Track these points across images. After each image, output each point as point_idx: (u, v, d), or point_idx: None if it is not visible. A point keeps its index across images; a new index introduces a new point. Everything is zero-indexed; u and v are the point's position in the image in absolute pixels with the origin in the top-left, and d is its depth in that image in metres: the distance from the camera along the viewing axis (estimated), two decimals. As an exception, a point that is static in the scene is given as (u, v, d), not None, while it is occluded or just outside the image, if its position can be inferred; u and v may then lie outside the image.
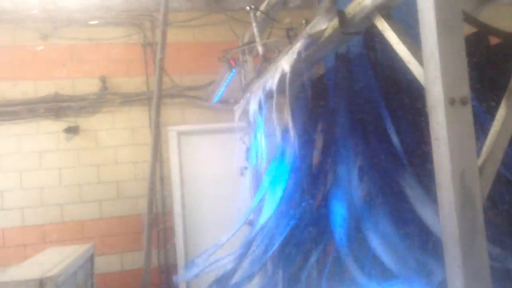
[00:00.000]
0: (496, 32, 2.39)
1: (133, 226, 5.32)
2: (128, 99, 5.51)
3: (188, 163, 5.67)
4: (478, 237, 1.42)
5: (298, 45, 2.46)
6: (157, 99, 4.51)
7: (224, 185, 5.66)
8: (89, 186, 5.29)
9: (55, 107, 5.26)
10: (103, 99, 5.43)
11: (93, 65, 5.45)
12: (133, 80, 5.58)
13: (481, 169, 1.46)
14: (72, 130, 5.26)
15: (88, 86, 5.42)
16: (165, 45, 3.75)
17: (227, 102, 5.36)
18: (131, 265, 5.24)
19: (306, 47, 2.40)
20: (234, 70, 3.75)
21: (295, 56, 2.41)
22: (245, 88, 4.04)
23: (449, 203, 1.45)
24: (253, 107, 3.43)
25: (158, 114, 4.57)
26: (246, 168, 5.19)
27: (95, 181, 5.31)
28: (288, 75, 2.54)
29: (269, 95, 3.08)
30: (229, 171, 5.61)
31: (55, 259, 3.09)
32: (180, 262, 5.37)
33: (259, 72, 3.51)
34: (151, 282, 5.20)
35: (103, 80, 5.42)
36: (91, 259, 3.73)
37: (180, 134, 5.64)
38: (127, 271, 5.22)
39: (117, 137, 5.44)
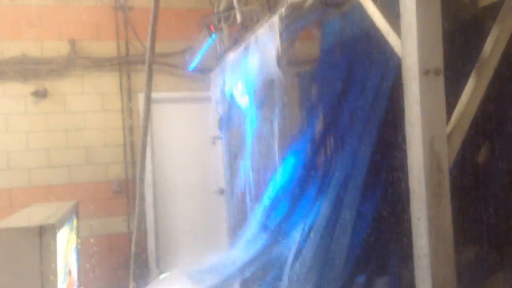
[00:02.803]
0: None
1: (103, 193, 5.30)
2: (98, 64, 5.39)
3: (158, 131, 5.65)
4: (444, 199, 1.54)
5: (278, 14, 2.49)
6: (149, 66, 4.04)
7: (195, 154, 5.70)
8: (57, 150, 5.20)
9: (22, 69, 5.10)
10: (72, 62, 5.29)
11: (62, 27, 5.28)
12: (104, 44, 5.45)
13: (449, 136, 1.57)
14: (40, 94, 5.13)
15: (57, 48, 5.26)
16: (158, 10, 3.60)
17: (200, 71, 5.35)
18: (100, 230, 5.24)
19: (287, 16, 2.43)
20: (214, 36, 3.73)
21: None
22: (221, 56, 4.05)
23: (418, 166, 1.55)
24: (231, 76, 3.46)
25: (149, 83, 4.04)
26: (218, 137, 5.24)
27: (64, 146, 5.23)
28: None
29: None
30: (200, 140, 5.66)
31: (47, 212, 3.07)
32: (149, 228, 5.42)
33: (236, 41, 3.52)
34: (120, 248, 5.25)
35: (72, 43, 5.27)
36: (76, 216, 3.72)
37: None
38: (96, 236, 5.23)
39: (87, 102, 5.34)
